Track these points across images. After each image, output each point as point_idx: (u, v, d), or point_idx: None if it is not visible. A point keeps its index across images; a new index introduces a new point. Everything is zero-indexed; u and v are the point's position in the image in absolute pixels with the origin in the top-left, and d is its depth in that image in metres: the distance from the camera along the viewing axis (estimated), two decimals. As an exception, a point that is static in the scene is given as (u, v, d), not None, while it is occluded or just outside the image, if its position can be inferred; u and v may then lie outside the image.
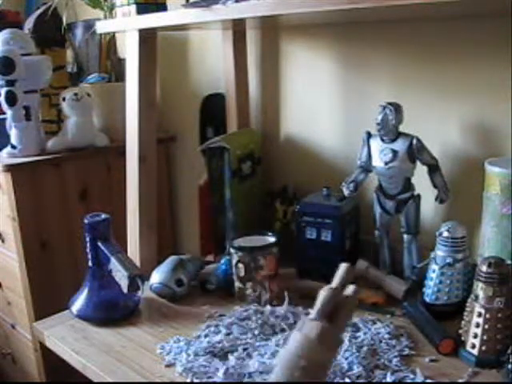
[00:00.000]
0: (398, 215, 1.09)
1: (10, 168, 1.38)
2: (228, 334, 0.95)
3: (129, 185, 1.26)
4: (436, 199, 1.06)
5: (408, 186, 1.07)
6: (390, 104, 1.03)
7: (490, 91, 1.02)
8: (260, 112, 1.45)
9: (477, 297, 0.83)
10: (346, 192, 1.12)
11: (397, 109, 1.03)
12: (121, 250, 1.05)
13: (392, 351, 0.87)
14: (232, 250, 1.08)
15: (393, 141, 1.05)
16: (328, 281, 0.74)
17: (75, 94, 1.46)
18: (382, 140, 1.06)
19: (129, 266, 1.01)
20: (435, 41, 1.08)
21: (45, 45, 1.59)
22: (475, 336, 0.83)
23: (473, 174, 1.04)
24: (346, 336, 0.91)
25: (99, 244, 1.04)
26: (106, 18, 1.46)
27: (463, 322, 0.86)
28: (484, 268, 0.82)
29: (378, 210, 1.11)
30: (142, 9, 1.13)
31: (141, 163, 1.23)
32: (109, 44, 1.69)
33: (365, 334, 0.92)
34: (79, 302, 1.07)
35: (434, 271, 0.96)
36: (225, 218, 1.28)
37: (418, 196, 1.08)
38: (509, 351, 0.79)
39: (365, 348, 0.87)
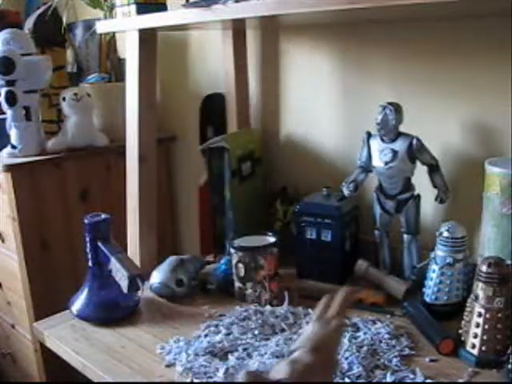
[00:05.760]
0: (398, 215, 1.09)
1: (10, 168, 1.38)
2: (228, 334, 0.95)
3: (129, 185, 1.26)
4: (436, 199, 1.06)
5: (408, 185, 1.07)
6: (390, 104, 1.03)
7: (490, 91, 1.02)
8: (260, 112, 1.45)
9: (477, 297, 0.83)
10: (345, 192, 1.12)
11: (397, 109, 1.03)
12: (121, 250, 1.05)
13: (392, 351, 0.87)
14: (232, 250, 1.08)
15: (393, 141, 1.05)
16: (328, 281, 0.75)
17: (75, 94, 1.46)
18: (382, 140, 1.06)
19: (129, 266, 1.01)
20: (435, 41, 1.08)
21: (45, 45, 1.59)
22: (475, 336, 0.83)
23: (473, 173, 1.04)
24: (346, 336, 0.91)
25: (99, 244, 1.04)
26: (106, 17, 1.46)
27: (463, 322, 0.86)
28: (484, 268, 0.82)
29: (378, 210, 1.11)
30: (142, 9, 1.13)
31: (141, 163, 1.23)
32: (109, 44, 1.69)
33: (365, 333, 0.92)
34: (79, 301, 1.07)
35: (434, 271, 0.96)
36: (225, 218, 1.28)
37: (418, 196, 1.08)
38: (509, 351, 0.79)
39: (365, 348, 0.87)
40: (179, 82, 1.64)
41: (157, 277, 1.11)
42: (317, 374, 0.65)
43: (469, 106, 1.06)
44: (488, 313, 0.81)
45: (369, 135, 1.09)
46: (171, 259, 1.15)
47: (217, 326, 0.99)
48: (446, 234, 0.94)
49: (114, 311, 1.06)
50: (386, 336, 0.91)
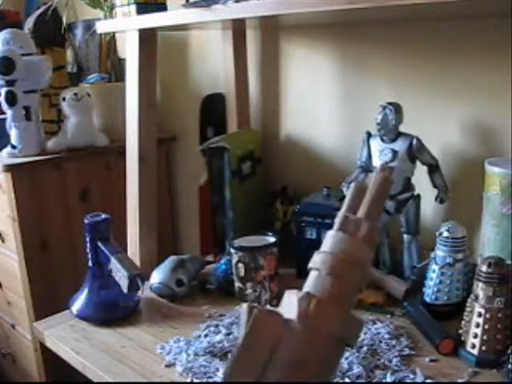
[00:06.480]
0: (398, 215, 1.09)
1: (10, 168, 1.38)
2: (228, 334, 0.95)
3: (129, 185, 1.26)
4: (436, 199, 1.06)
5: (408, 185, 1.07)
6: (390, 104, 1.03)
7: (490, 91, 1.02)
8: (260, 112, 1.45)
9: (477, 297, 0.83)
10: (345, 192, 1.12)
11: (397, 109, 1.03)
12: (121, 250, 1.05)
13: (392, 351, 0.87)
14: (232, 250, 1.08)
15: (393, 141, 1.05)
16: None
17: (75, 94, 1.46)
18: (382, 140, 1.06)
19: (129, 266, 1.01)
20: (435, 41, 1.08)
21: (45, 45, 1.60)
22: (475, 336, 0.83)
23: (473, 173, 1.04)
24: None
25: (99, 244, 1.04)
26: (106, 17, 1.46)
27: (463, 322, 0.86)
28: (484, 268, 0.82)
29: (378, 209, 1.11)
30: (142, 9, 1.13)
31: (141, 163, 1.23)
32: (109, 44, 1.69)
33: (365, 333, 0.92)
34: (79, 302, 1.07)
35: (434, 271, 0.96)
36: (225, 217, 1.28)
37: (418, 196, 1.08)
38: (509, 351, 0.79)
39: (365, 348, 0.87)
40: (179, 82, 1.64)
41: (157, 277, 1.11)
42: (337, 306, 0.50)
43: (469, 105, 1.06)
44: (488, 313, 0.81)
45: (369, 135, 1.09)
46: (171, 259, 1.15)
47: (217, 326, 0.99)
48: (446, 233, 0.94)
49: (114, 311, 1.06)
50: (386, 336, 0.91)
